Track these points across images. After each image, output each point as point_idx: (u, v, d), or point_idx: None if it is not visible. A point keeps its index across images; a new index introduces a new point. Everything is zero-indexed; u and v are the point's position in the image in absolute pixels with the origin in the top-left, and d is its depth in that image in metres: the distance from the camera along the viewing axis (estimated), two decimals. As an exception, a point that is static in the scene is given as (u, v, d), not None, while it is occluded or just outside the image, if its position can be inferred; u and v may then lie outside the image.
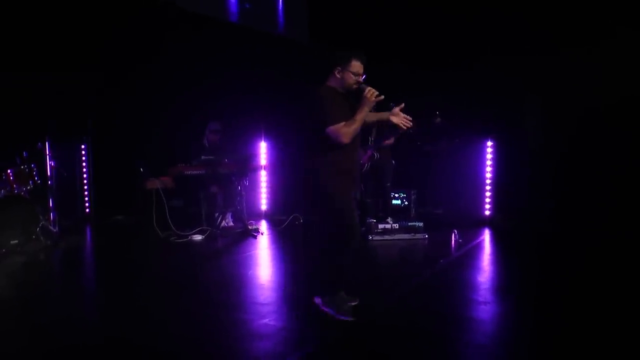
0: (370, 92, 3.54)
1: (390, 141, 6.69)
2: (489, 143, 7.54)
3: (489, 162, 7.57)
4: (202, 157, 6.69)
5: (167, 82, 7.58)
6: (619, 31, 6.90)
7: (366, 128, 4.03)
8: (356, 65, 3.64)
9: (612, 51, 6.90)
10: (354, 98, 3.71)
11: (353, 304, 3.82)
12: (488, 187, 7.57)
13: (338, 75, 3.66)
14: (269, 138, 8.43)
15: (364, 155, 6.45)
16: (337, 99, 3.64)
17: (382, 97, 3.55)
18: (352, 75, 3.63)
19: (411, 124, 3.78)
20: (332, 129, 3.49)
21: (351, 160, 3.71)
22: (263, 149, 8.38)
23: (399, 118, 3.78)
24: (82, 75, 7.13)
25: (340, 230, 3.68)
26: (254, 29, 8.58)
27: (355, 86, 3.64)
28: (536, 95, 7.88)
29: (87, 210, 7.94)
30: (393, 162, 6.94)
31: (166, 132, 7.62)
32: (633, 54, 6.80)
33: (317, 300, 3.81)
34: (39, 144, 6.46)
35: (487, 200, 7.57)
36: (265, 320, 3.69)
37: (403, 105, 3.83)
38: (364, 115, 3.56)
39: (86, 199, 7.95)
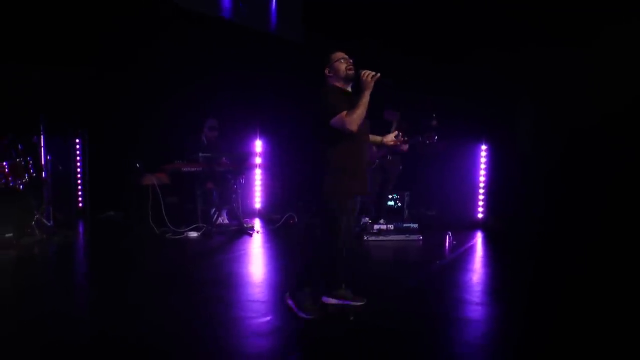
0: (366, 74, 3.52)
1: (406, 148, 6.71)
2: (483, 146, 7.61)
3: (482, 166, 7.64)
4: (200, 155, 6.69)
5: (164, 79, 7.57)
6: (613, 33, 6.96)
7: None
8: (338, 55, 3.70)
9: (607, 54, 6.95)
10: (355, 93, 3.71)
11: (359, 303, 3.89)
12: (481, 190, 7.64)
13: (330, 73, 3.71)
14: (264, 136, 8.43)
15: (379, 152, 6.54)
16: (340, 94, 3.65)
17: (379, 74, 3.52)
18: (341, 62, 3.67)
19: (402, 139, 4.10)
20: (336, 118, 3.48)
21: (357, 160, 3.69)
22: (258, 147, 8.38)
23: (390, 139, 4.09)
24: (78, 70, 7.12)
25: (326, 229, 3.72)
26: (249, 27, 8.59)
27: (350, 71, 3.64)
28: (529, 99, 7.95)
29: (81, 204, 7.91)
30: (400, 167, 6.98)
31: (162, 128, 7.61)
32: (628, 57, 6.86)
33: (288, 300, 3.83)
34: (35, 137, 6.44)
35: (480, 203, 7.64)
36: (266, 319, 3.71)
37: (396, 132, 4.13)
38: (367, 99, 3.50)
39: (79, 193, 7.92)
